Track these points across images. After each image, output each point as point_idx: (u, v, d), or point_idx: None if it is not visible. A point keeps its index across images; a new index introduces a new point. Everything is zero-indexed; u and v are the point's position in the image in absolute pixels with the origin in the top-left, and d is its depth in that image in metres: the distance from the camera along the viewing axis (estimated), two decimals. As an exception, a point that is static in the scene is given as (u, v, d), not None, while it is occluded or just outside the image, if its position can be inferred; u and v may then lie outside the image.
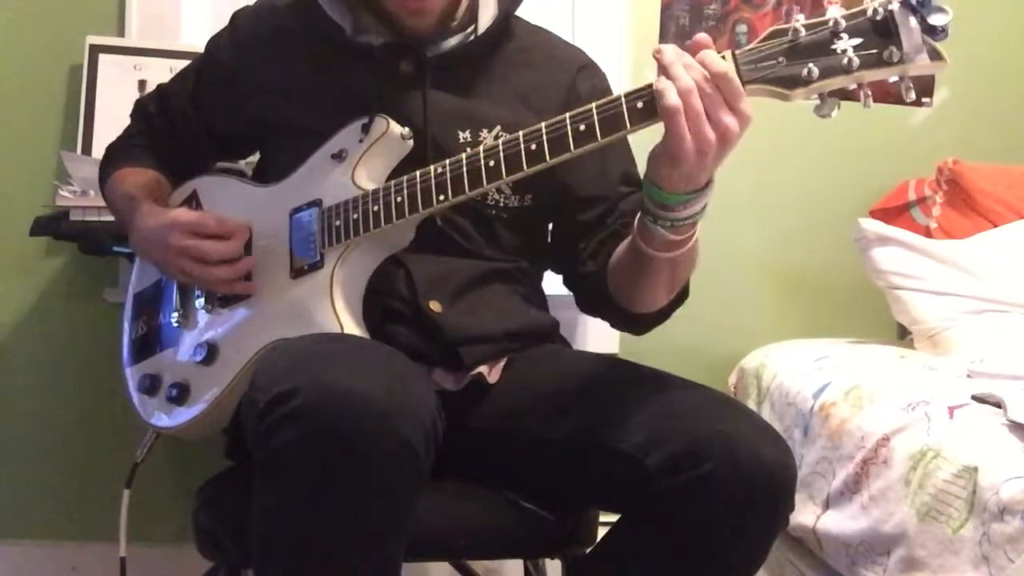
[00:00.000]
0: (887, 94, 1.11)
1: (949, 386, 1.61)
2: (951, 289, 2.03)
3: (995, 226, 2.15)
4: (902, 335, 2.28)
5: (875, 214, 2.25)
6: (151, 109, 1.57)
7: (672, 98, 1.07)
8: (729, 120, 1.08)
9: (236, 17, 1.51)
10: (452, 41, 1.40)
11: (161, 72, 2.03)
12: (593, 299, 1.41)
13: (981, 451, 1.36)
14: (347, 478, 1.04)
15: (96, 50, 2.08)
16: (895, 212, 2.25)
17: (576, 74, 1.45)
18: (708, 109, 1.07)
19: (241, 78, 1.45)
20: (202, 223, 1.32)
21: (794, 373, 1.98)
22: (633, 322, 1.39)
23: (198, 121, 1.51)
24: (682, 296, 1.36)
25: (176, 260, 1.33)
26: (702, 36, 1.11)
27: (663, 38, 2.27)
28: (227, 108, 1.47)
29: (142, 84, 2.07)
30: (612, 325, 1.44)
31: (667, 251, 1.21)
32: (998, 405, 1.45)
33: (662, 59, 1.10)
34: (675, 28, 2.27)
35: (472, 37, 1.41)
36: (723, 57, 1.09)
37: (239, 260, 1.33)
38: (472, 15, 1.41)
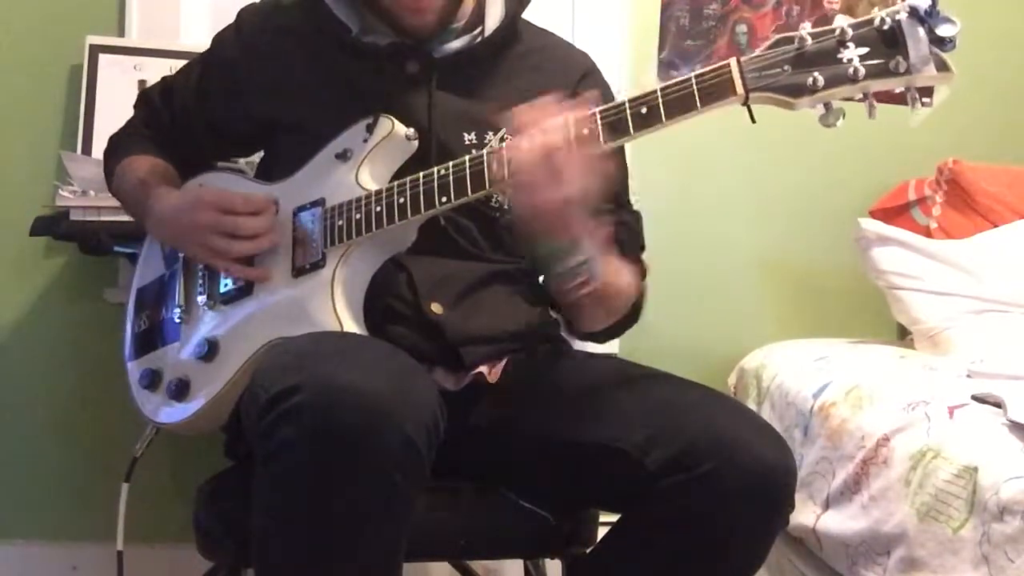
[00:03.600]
0: (887, 94, 1.11)
1: (949, 386, 1.61)
2: (951, 289, 2.03)
3: (995, 226, 2.15)
4: (902, 335, 2.28)
5: (875, 214, 2.25)
6: (156, 102, 1.56)
7: (518, 163, 1.14)
8: (573, 182, 1.13)
9: (242, 15, 1.51)
10: (459, 42, 1.41)
11: (161, 72, 2.01)
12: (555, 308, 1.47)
13: (981, 451, 1.36)
14: (348, 474, 1.04)
15: (96, 50, 2.08)
16: (895, 212, 2.25)
17: (579, 81, 1.46)
18: (554, 172, 1.13)
19: (246, 76, 1.45)
20: (229, 199, 1.32)
21: (794, 373, 1.98)
22: (579, 334, 1.45)
23: (202, 118, 1.51)
24: (630, 317, 1.41)
25: (201, 236, 1.32)
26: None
27: (663, 38, 2.27)
28: (231, 106, 1.47)
29: (142, 84, 2.06)
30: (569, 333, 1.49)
31: (572, 293, 1.27)
32: (998, 405, 1.45)
33: (512, 128, 1.17)
34: (675, 28, 2.27)
35: (479, 39, 1.41)
36: (727, 64, 1.10)
37: (266, 234, 1.32)
38: (479, 16, 1.41)
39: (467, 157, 1.21)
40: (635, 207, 1.51)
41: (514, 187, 1.16)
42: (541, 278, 1.37)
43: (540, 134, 1.14)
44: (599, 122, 1.14)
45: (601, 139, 1.14)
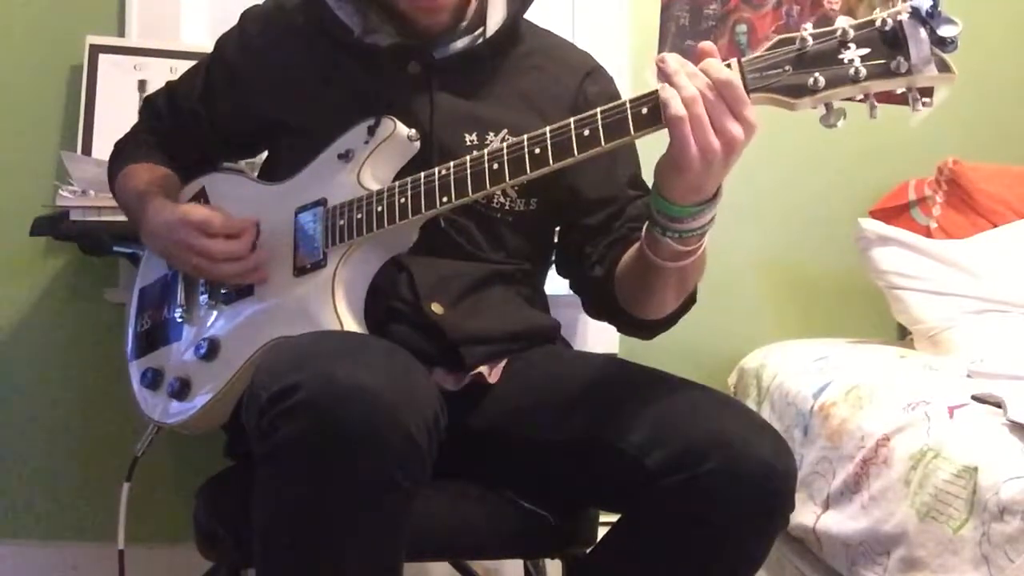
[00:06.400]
0: (887, 94, 1.11)
1: (949, 386, 1.61)
2: (951, 289, 2.03)
3: (995, 226, 2.15)
4: (902, 335, 2.28)
5: (875, 214, 2.25)
6: (160, 106, 1.57)
7: (677, 107, 1.07)
8: (734, 128, 1.07)
9: (244, 17, 1.51)
10: (460, 43, 1.41)
11: (161, 72, 2.03)
12: (601, 304, 1.41)
13: (981, 451, 1.36)
14: (350, 472, 1.04)
15: (96, 50, 2.08)
16: (895, 212, 2.25)
17: (583, 79, 1.46)
18: (713, 118, 1.07)
19: (248, 78, 1.46)
20: (209, 222, 1.33)
21: (794, 373, 1.98)
22: (641, 327, 1.38)
23: (206, 119, 1.52)
24: (689, 301, 1.35)
25: (185, 256, 1.33)
26: (706, 44, 1.10)
27: (663, 38, 2.27)
28: (234, 107, 1.48)
29: (142, 84, 2.07)
30: (619, 330, 1.44)
31: (675, 260, 1.20)
32: (998, 405, 1.45)
33: (666, 68, 1.09)
34: (675, 28, 2.27)
35: (480, 40, 1.41)
36: (728, 65, 1.09)
37: (247, 257, 1.33)
38: (481, 17, 1.41)
39: (468, 157, 1.21)
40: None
41: (692, 122, 1.06)
42: (649, 241, 1.21)
43: (709, 71, 1.08)
44: (600, 121, 1.13)
45: (602, 140, 1.13)
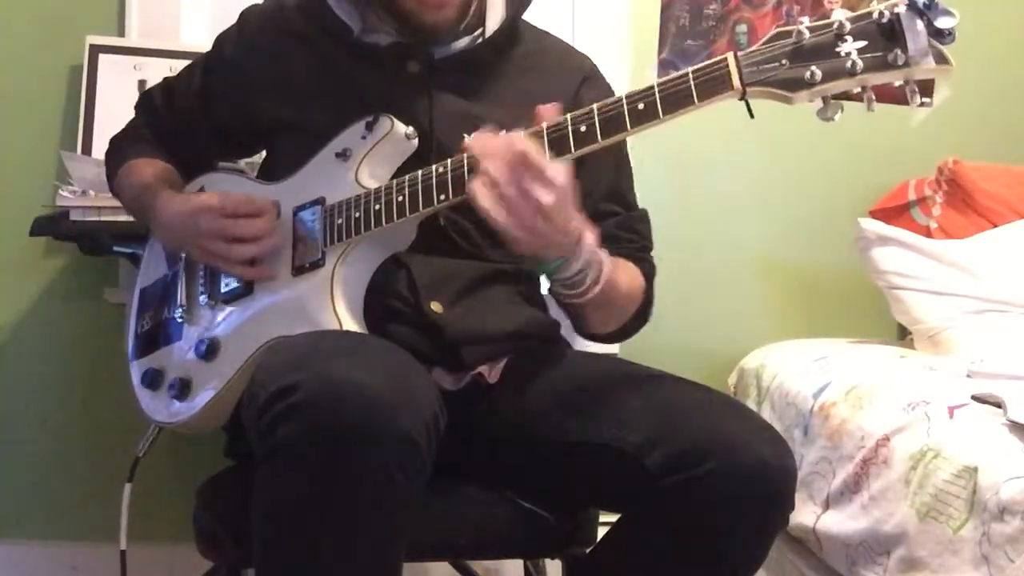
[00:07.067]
0: (887, 93, 1.11)
1: (949, 386, 1.61)
2: (951, 289, 2.03)
3: (995, 226, 2.15)
4: (902, 335, 2.28)
5: (875, 214, 2.25)
6: (157, 102, 1.57)
7: (486, 199, 1.13)
8: (543, 195, 1.12)
9: (244, 16, 1.51)
10: (460, 43, 1.41)
11: (161, 72, 2.02)
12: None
13: (981, 451, 1.36)
14: (348, 471, 1.04)
15: (96, 50, 2.09)
16: (895, 212, 2.25)
17: (581, 83, 1.46)
18: (521, 191, 1.12)
19: (247, 77, 1.46)
20: (231, 202, 1.32)
21: (794, 373, 1.98)
22: (589, 336, 1.44)
23: (204, 118, 1.51)
24: (639, 319, 1.41)
25: (205, 242, 1.33)
26: (543, 107, 1.18)
27: (663, 38, 2.27)
28: (233, 106, 1.48)
29: (142, 84, 2.07)
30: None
31: (571, 300, 1.26)
32: (998, 405, 1.45)
33: (470, 152, 1.16)
34: (675, 28, 2.27)
35: (480, 40, 1.41)
36: (724, 59, 1.09)
37: (268, 238, 1.32)
38: (480, 18, 1.41)
39: (465, 155, 1.21)
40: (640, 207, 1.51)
41: (504, 204, 1.13)
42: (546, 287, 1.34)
43: (502, 154, 1.13)
44: (596, 117, 1.14)
45: (599, 136, 1.14)
